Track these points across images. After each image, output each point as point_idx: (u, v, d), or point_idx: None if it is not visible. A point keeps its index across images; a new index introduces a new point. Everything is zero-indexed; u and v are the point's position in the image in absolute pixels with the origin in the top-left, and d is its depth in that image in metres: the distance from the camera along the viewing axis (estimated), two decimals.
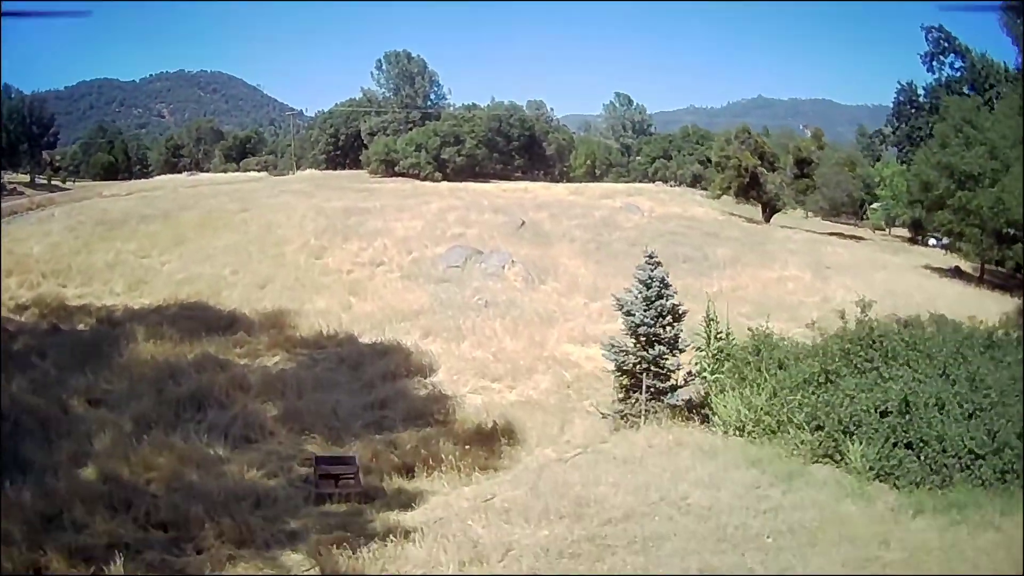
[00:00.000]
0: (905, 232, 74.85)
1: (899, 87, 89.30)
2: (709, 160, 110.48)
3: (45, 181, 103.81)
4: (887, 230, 78.13)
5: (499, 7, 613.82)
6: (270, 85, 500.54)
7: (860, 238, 64.35)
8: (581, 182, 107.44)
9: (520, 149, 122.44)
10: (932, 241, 64.27)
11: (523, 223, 43.99)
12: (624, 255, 37.00)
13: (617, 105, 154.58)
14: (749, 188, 70.41)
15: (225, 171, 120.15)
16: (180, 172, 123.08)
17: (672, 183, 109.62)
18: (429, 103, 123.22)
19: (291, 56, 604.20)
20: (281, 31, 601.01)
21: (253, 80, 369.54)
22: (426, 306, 30.55)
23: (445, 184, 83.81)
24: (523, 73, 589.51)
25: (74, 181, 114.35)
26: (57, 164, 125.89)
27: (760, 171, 69.24)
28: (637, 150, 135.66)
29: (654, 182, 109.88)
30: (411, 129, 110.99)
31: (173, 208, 49.61)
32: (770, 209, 70.93)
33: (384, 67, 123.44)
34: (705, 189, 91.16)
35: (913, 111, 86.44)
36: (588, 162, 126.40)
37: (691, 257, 39.98)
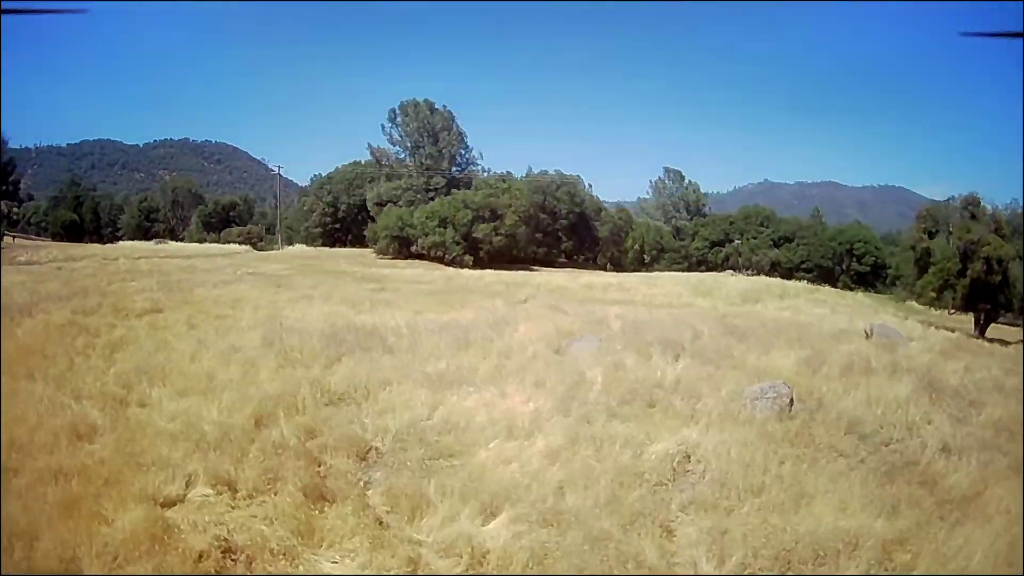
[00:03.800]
0: None
1: None
2: (786, 239, 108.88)
3: None
4: None
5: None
6: (277, 159, 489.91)
7: None
8: (632, 270, 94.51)
9: (568, 229, 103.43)
10: None
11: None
12: None
13: (668, 182, 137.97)
14: (987, 291, 48.75)
15: (202, 241, 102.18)
16: (151, 238, 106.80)
17: (748, 271, 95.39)
18: (456, 168, 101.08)
19: (298, 133, 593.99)
20: (287, 104, 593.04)
21: (259, 153, 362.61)
22: None
23: (488, 274, 61.68)
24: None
25: (29, 238, 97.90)
26: (15, 216, 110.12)
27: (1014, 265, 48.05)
28: (692, 233, 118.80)
29: (721, 269, 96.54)
30: (432, 199, 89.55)
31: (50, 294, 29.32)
32: (986, 321, 50.66)
33: (399, 119, 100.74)
34: (784, 276, 79.39)
35: None
36: (636, 247, 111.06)
37: None
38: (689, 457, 11.09)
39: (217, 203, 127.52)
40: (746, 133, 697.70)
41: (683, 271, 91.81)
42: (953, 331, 39.45)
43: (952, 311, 53.18)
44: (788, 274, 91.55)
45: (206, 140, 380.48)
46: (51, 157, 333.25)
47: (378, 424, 12.25)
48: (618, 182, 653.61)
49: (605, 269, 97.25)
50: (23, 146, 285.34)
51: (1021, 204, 51.36)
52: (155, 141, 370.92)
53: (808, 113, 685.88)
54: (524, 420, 12.44)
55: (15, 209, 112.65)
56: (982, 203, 50.77)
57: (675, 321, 25.57)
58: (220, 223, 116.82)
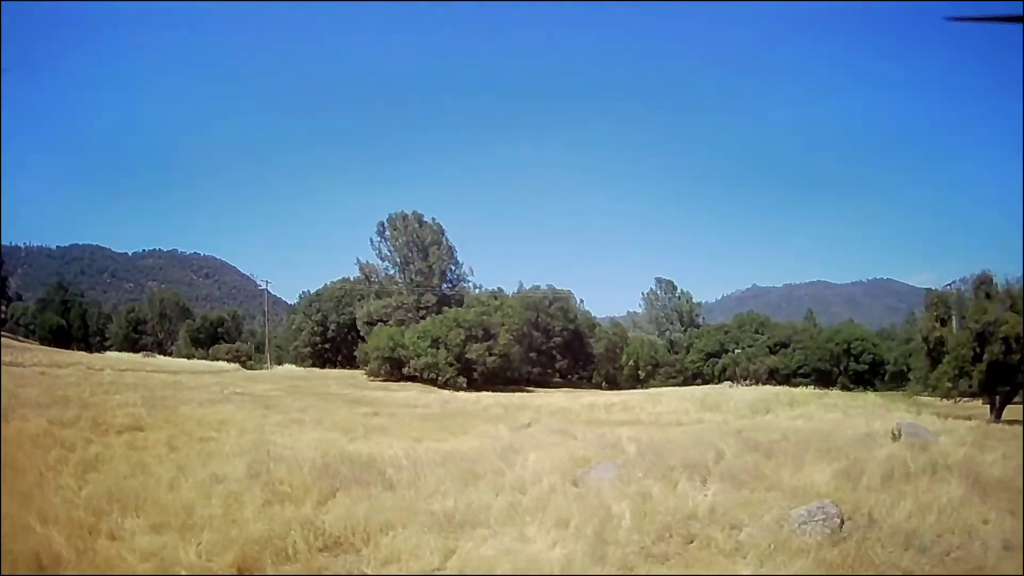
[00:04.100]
0: None
1: None
2: (782, 345, 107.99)
3: None
4: None
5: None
6: (265, 274, 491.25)
7: None
8: (627, 387, 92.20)
9: (562, 347, 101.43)
10: None
11: None
12: None
13: (660, 293, 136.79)
14: (1006, 372, 46.52)
15: (190, 356, 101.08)
16: (139, 350, 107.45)
17: (746, 381, 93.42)
18: (447, 284, 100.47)
19: (287, 249, 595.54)
20: (276, 218, 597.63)
21: (247, 269, 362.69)
22: None
23: (484, 396, 60.12)
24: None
25: (16, 339, 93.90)
26: (2, 315, 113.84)
27: None
28: (687, 345, 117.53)
29: (718, 381, 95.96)
30: (423, 317, 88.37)
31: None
32: (1001, 404, 48.80)
33: (388, 233, 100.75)
34: (781, 383, 79.32)
35: None
36: (631, 363, 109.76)
37: None
38: None
39: (205, 318, 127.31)
40: (734, 237, 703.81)
41: (679, 385, 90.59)
42: (970, 418, 38.85)
43: (959, 400, 51.20)
44: (786, 380, 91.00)
45: (194, 252, 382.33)
46: (41, 258, 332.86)
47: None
48: (609, 296, 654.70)
49: (600, 387, 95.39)
50: (12, 244, 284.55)
51: None
52: (144, 251, 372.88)
53: (794, 210, 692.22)
54: (554, 569, 10.69)
55: (2, 307, 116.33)
56: (994, 281, 49.48)
57: (692, 440, 23.99)
58: (208, 338, 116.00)
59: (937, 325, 50.28)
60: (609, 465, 18.74)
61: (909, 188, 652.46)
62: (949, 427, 30.06)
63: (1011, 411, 48.05)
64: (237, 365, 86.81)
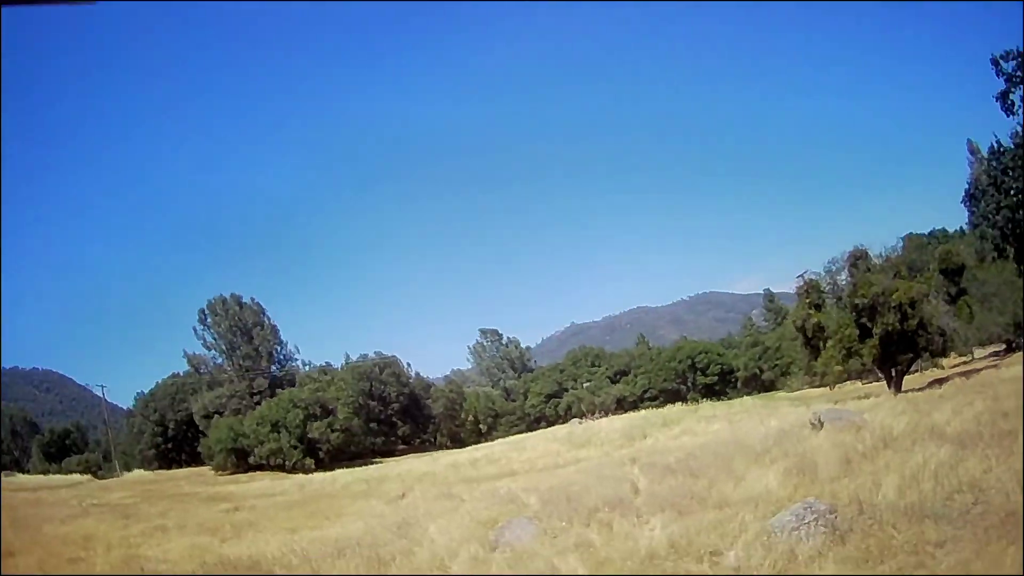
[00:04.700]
0: None
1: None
2: (623, 373, 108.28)
3: None
4: None
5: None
6: (102, 380, 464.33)
7: None
8: (472, 443, 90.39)
9: (401, 413, 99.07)
10: None
11: None
12: None
13: (486, 344, 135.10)
14: (903, 341, 45.80)
15: (45, 471, 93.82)
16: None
17: (593, 415, 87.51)
18: (275, 366, 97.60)
19: (117, 350, 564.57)
20: (100, 319, 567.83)
21: (83, 380, 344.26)
22: None
23: (339, 474, 57.03)
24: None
25: None
26: None
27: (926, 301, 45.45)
28: (523, 391, 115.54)
29: (563, 421, 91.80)
30: (258, 403, 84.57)
31: None
32: (899, 375, 47.52)
33: (209, 320, 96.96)
34: (634, 409, 78.26)
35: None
36: (471, 417, 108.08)
37: None
38: None
39: (53, 431, 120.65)
40: (549, 279, 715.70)
41: (522, 433, 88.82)
42: (867, 397, 38.55)
43: (834, 386, 51.13)
44: (633, 406, 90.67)
45: (34, 367, 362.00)
46: None
47: None
48: (435, 355, 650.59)
49: (445, 447, 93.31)
50: None
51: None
52: None
53: (606, 241, 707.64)
54: None
55: None
56: (870, 254, 48.75)
57: (595, 479, 22.95)
58: (59, 452, 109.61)
59: (812, 312, 49.10)
60: (521, 521, 17.37)
61: (720, 199, 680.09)
62: (860, 408, 29.51)
63: (910, 381, 47.84)
64: (89, 476, 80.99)
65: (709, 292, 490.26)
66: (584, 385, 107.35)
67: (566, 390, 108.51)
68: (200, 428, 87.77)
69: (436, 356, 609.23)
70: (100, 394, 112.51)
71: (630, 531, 14.20)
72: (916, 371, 50.98)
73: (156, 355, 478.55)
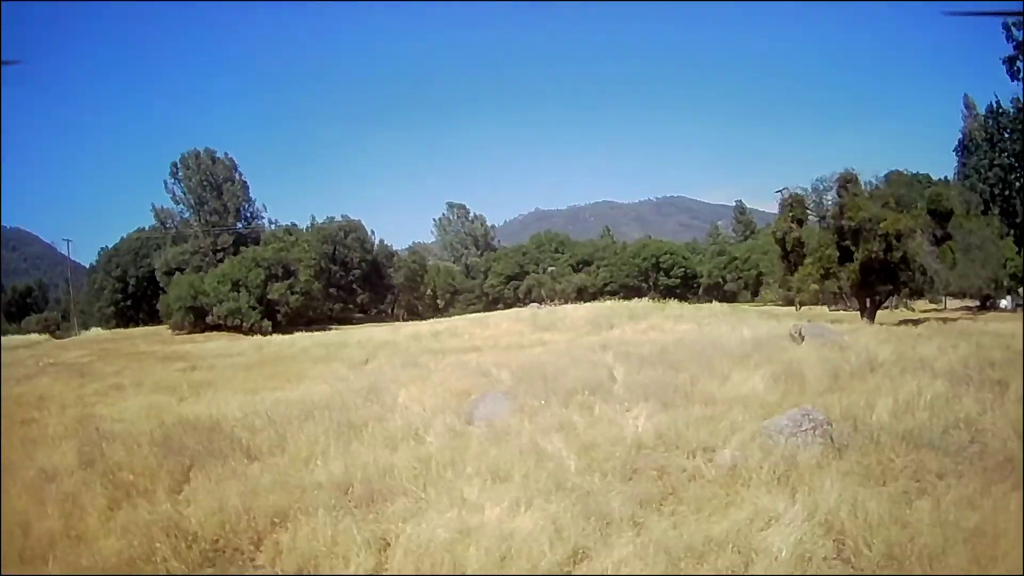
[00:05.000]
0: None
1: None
2: (585, 263, 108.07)
3: None
4: None
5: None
6: (69, 235, 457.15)
7: None
8: (429, 317, 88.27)
9: (362, 280, 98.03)
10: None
11: None
12: None
13: (452, 218, 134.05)
14: (885, 272, 46.29)
15: (4, 333, 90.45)
16: None
17: (553, 302, 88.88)
18: (242, 223, 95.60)
19: (86, 205, 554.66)
20: (71, 172, 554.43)
21: (49, 237, 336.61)
22: None
23: (298, 338, 55.10)
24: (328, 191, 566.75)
25: None
26: None
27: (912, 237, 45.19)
28: (484, 270, 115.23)
29: (522, 304, 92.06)
30: (221, 260, 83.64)
31: None
32: (874, 305, 48.54)
33: (181, 174, 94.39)
34: (589, 301, 76.32)
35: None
36: (429, 292, 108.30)
37: None
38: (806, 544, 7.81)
39: (15, 290, 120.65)
40: (517, 159, 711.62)
41: (480, 312, 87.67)
42: (841, 322, 37.86)
43: (799, 307, 51.93)
44: (593, 298, 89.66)
45: (4, 227, 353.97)
46: None
47: None
48: (399, 226, 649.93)
49: (402, 319, 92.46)
50: None
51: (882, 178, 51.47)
52: None
53: (578, 129, 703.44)
54: (548, 542, 8.03)
55: None
56: (859, 180, 48.41)
57: (568, 361, 22.17)
58: (19, 311, 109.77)
59: (794, 226, 48.90)
60: (496, 395, 16.87)
61: (699, 106, 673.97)
62: (837, 329, 28.81)
63: (882, 316, 47.65)
64: (48, 336, 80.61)
65: (676, 196, 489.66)
66: (548, 270, 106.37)
67: (527, 273, 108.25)
68: (161, 285, 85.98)
69: (400, 228, 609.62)
70: (65, 251, 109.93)
71: (613, 417, 13.69)
72: (887, 308, 51.15)
73: (127, 212, 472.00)
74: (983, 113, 74.65)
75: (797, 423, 11.31)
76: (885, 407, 12.93)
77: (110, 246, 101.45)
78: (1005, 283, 58.99)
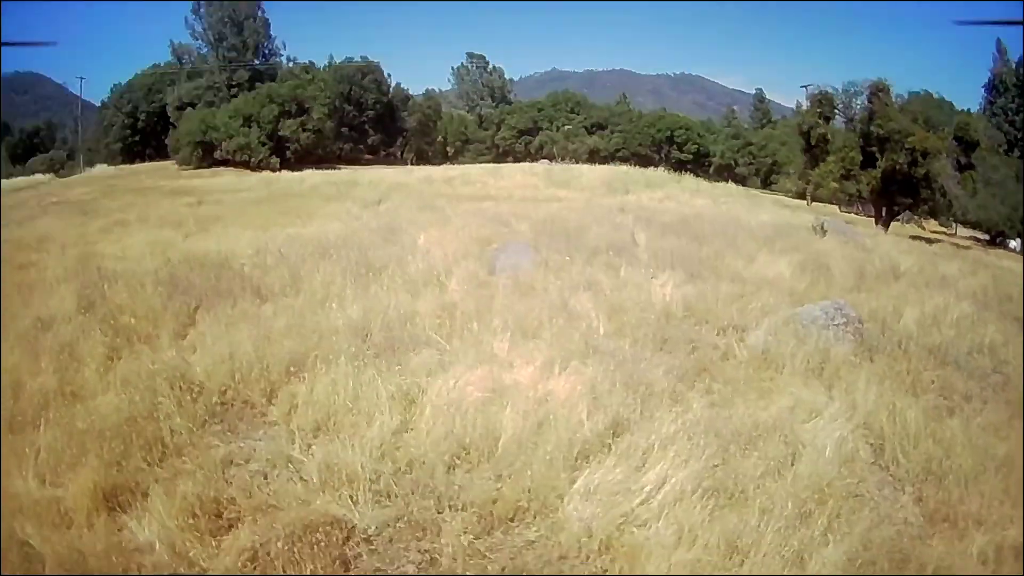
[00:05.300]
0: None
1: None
2: (599, 126, 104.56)
3: None
4: None
5: None
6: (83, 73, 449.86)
7: None
8: (437, 163, 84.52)
9: (375, 121, 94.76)
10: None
11: None
12: None
13: (471, 68, 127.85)
14: (906, 185, 46.28)
15: (11, 175, 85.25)
16: None
17: (564, 160, 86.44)
18: (259, 59, 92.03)
19: (102, 42, 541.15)
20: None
21: (61, 78, 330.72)
22: None
23: (308, 175, 53.57)
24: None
25: None
26: None
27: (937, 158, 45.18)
28: (498, 122, 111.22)
29: (533, 159, 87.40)
30: (235, 96, 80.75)
31: None
32: (889, 215, 48.51)
33: (203, 10, 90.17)
34: (600, 164, 70.40)
35: None
36: (440, 138, 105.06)
37: None
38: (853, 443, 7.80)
39: (22, 131, 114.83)
40: (534, 16, 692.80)
41: (489, 162, 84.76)
42: (855, 225, 37.79)
43: (810, 203, 51.52)
44: (604, 162, 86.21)
45: (15, 71, 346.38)
46: None
47: (328, 458, 6.85)
48: (415, 72, 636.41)
49: (411, 163, 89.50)
50: None
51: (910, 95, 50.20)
52: None
53: None
54: (586, 409, 7.59)
55: None
56: (891, 91, 47.83)
57: (592, 219, 21.58)
58: (26, 153, 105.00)
59: (821, 122, 48.71)
60: (518, 246, 16.46)
61: None
62: (858, 231, 29.21)
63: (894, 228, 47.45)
64: (52, 175, 77.91)
65: (694, 75, 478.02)
66: (564, 128, 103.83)
67: (541, 129, 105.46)
68: (172, 120, 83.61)
69: (417, 75, 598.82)
70: (77, 90, 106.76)
71: (638, 282, 13.39)
72: (899, 221, 50.93)
73: (145, 51, 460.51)
74: (1015, 59, 74.85)
75: (830, 316, 11.22)
76: (912, 317, 12.98)
77: (123, 83, 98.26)
78: (1019, 226, 58.18)
